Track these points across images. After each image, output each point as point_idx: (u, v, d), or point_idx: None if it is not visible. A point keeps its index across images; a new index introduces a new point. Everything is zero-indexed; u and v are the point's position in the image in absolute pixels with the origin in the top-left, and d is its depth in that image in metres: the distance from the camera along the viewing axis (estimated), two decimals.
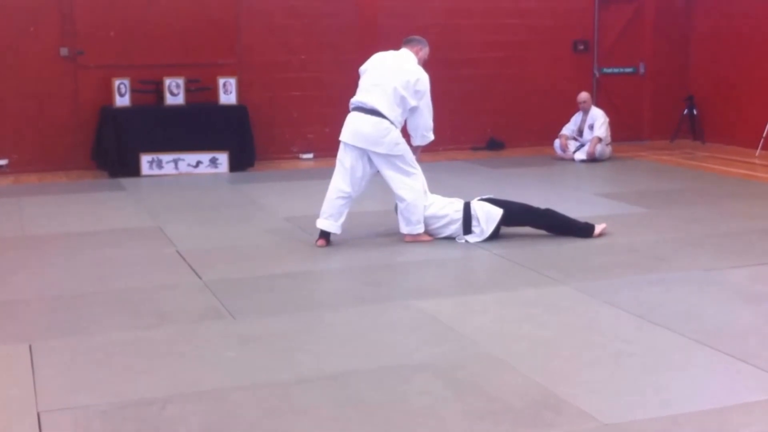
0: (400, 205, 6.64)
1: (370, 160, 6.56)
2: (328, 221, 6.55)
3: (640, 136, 12.71)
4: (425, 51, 6.71)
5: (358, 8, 11.32)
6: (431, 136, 6.66)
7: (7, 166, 10.21)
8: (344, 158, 6.57)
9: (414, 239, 6.65)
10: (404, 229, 6.66)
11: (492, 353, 4.36)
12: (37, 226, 7.46)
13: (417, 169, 6.64)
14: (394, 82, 6.42)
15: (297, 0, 11.06)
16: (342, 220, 6.58)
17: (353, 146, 6.51)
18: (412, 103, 6.45)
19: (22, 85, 10.12)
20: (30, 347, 4.47)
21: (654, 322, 4.80)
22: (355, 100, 6.58)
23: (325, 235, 6.59)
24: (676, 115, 12.58)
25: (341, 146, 6.59)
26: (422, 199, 6.62)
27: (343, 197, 6.55)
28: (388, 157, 6.50)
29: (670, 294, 5.34)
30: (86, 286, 5.62)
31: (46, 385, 4.00)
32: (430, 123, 6.61)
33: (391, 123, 6.44)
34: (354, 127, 6.50)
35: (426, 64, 6.71)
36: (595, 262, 6.16)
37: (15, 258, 6.38)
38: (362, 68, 6.68)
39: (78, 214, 7.93)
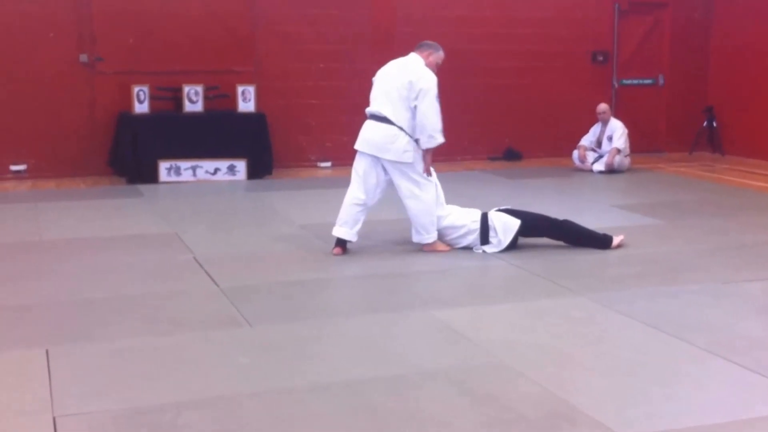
0: (408, 215, 6.65)
1: (384, 168, 6.58)
2: (344, 228, 6.57)
3: (659, 147, 12.66)
4: (437, 55, 6.65)
5: (375, 17, 11.35)
6: (439, 138, 6.47)
7: (25, 171, 10.30)
8: (358, 166, 6.61)
9: (431, 249, 6.64)
10: (415, 238, 6.67)
11: (507, 363, 4.35)
12: (55, 231, 7.50)
13: (429, 180, 6.62)
14: (396, 84, 6.44)
15: (314, 9, 11.11)
16: (358, 227, 6.59)
17: (365, 154, 6.55)
18: (414, 102, 6.43)
19: (41, 91, 10.21)
20: (47, 352, 4.49)
21: (669, 333, 4.77)
22: (368, 110, 6.64)
23: (341, 243, 6.60)
24: (695, 126, 12.53)
25: (356, 154, 6.63)
26: (432, 208, 6.60)
27: (358, 204, 6.56)
28: (398, 165, 6.51)
29: (686, 306, 5.32)
30: (103, 292, 5.65)
31: (62, 390, 4.02)
32: (437, 124, 6.44)
33: (401, 129, 6.44)
34: (365, 135, 6.57)
35: (442, 73, 6.68)
36: (612, 274, 6.14)
37: (32, 263, 6.42)
38: (374, 78, 6.71)
39: (95, 220, 7.97)
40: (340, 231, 6.59)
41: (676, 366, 4.34)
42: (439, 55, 6.67)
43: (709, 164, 11.59)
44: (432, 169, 6.64)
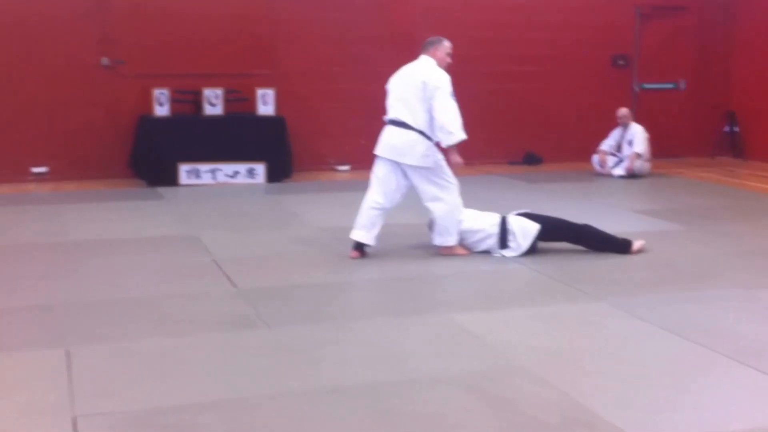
0: (433, 218, 6.64)
1: (404, 173, 6.57)
2: (361, 232, 6.57)
3: (680, 152, 12.58)
4: (442, 47, 6.61)
5: (395, 21, 11.35)
6: (459, 134, 6.39)
7: (46, 173, 10.36)
8: (378, 170, 6.63)
9: (449, 252, 6.63)
10: (436, 240, 6.66)
11: (526, 368, 4.32)
12: (75, 232, 7.54)
13: (451, 183, 6.62)
14: (410, 88, 6.44)
15: (334, 12, 11.13)
16: (376, 231, 6.58)
17: (385, 158, 6.56)
18: (430, 102, 6.40)
19: (62, 94, 10.28)
20: (67, 352, 4.51)
21: (690, 339, 4.73)
22: (386, 118, 6.66)
23: (359, 247, 6.60)
24: (716, 131, 12.45)
25: (376, 159, 6.64)
26: (456, 211, 6.60)
27: (377, 208, 6.56)
28: (419, 169, 6.50)
29: (708, 311, 5.27)
30: (123, 293, 5.67)
31: (81, 390, 4.03)
32: (455, 120, 6.38)
33: (420, 133, 6.44)
34: (385, 140, 6.59)
35: (462, 76, 6.64)
36: (632, 279, 6.09)
37: (53, 264, 6.45)
38: (388, 86, 6.70)
39: (116, 222, 8.01)
40: (357, 234, 6.59)
41: (697, 372, 4.30)
42: (444, 46, 6.63)
43: (731, 169, 11.51)
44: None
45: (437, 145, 6.56)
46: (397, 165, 6.55)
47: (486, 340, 4.74)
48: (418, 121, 6.45)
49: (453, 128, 6.37)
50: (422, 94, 6.40)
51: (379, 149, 6.62)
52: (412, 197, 6.79)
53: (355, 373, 4.28)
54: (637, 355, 4.54)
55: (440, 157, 6.57)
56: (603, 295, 5.59)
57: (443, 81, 6.40)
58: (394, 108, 6.57)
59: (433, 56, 6.58)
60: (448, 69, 6.61)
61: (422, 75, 6.44)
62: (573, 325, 5.04)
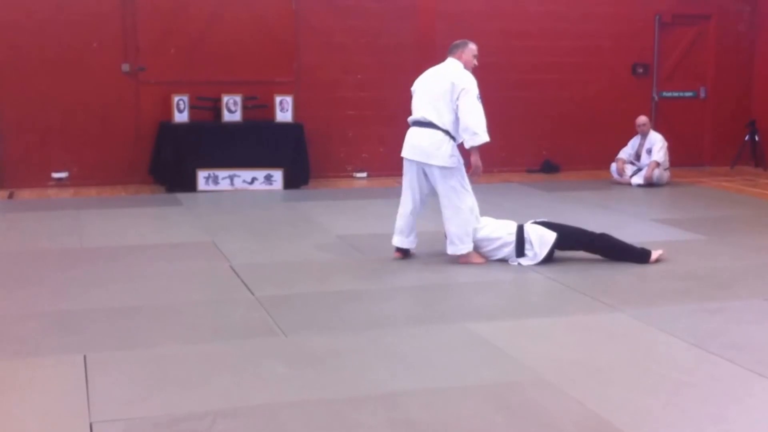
0: (445, 224, 6.65)
1: (426, 176, 6.59)
2: (398, 237, 6.75)
3: (700, 161, 12.51)
4: (468, 50, 6.65)
5: (417, 29, 11.35)
6: (484, 136, 6.42)
7: (67, 178, 10.42)
8: (405, 173, 6.72)
9: (466, 261, 6.61)
10: (449, 249, 6.66)
11: (545, 378, 4.30)
12: (95, 238, 7.57)
13: (467, 189, 6.62)
14: (439, 89, 6.48)
15: (355, 20, 11.14)
16: (412, 235, 6.72)
17: (411, 161, 6.60)
18: (457, 103, 6.43)
19: (84, 100, 10.34)
20: (85, 358, 4.53)
21: (712, 351, 4.69)
22: (411, 118, 6.70)
23: (401, 249, 6.76)
24: (737, 140, 12.35)
25: (404, 163, 6.71)
26: (469, 219, 6.59)
27: (409, 214, 6.69)
28: (442, 170, 6.51)
29: (729, 323, 5.22)
30: (141, 299, 5.69)
31: (99, 397, 4.04)
32: (481, 122, 6.42)
33: (446, 134, 6.47)
34: (412, 141, 6.64)
35: (481, 83, 6.63)
36: (652, 289, 6.05)
37: (72, 270, 6.48)
38: (413, 88, 6.74)
39: (135, 228, 8.04)
40: (395, 240, 6.78)
41: (720, 386, 4.25)
42: (470, 48, 6.67)
43: (751, 179, 11.42)
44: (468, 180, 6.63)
45: (459, 147, 6.58)
46: (420, 168, 6.60)
47: (505, 350, 4.71)
48: (444, 121, 6.49)
49: (478, 129, 6.41)
50: (450, 95, 6.44)
51: (406, 151, 6.66)
52: (430, 205, 6.78)
53: (376, 382, 4.26)
54: (659, 367, 4.50)
55: (462, 161, 6.59)
56: (622, 305, 5.56)
57: (470, 83, 6.45)
58: (419, 108, 6.60)
59: (460, 59, 6.62)
60: (473, 72, 6.63)
61: (450, 76, 6.49)
62: (592, 335, 5.01)
